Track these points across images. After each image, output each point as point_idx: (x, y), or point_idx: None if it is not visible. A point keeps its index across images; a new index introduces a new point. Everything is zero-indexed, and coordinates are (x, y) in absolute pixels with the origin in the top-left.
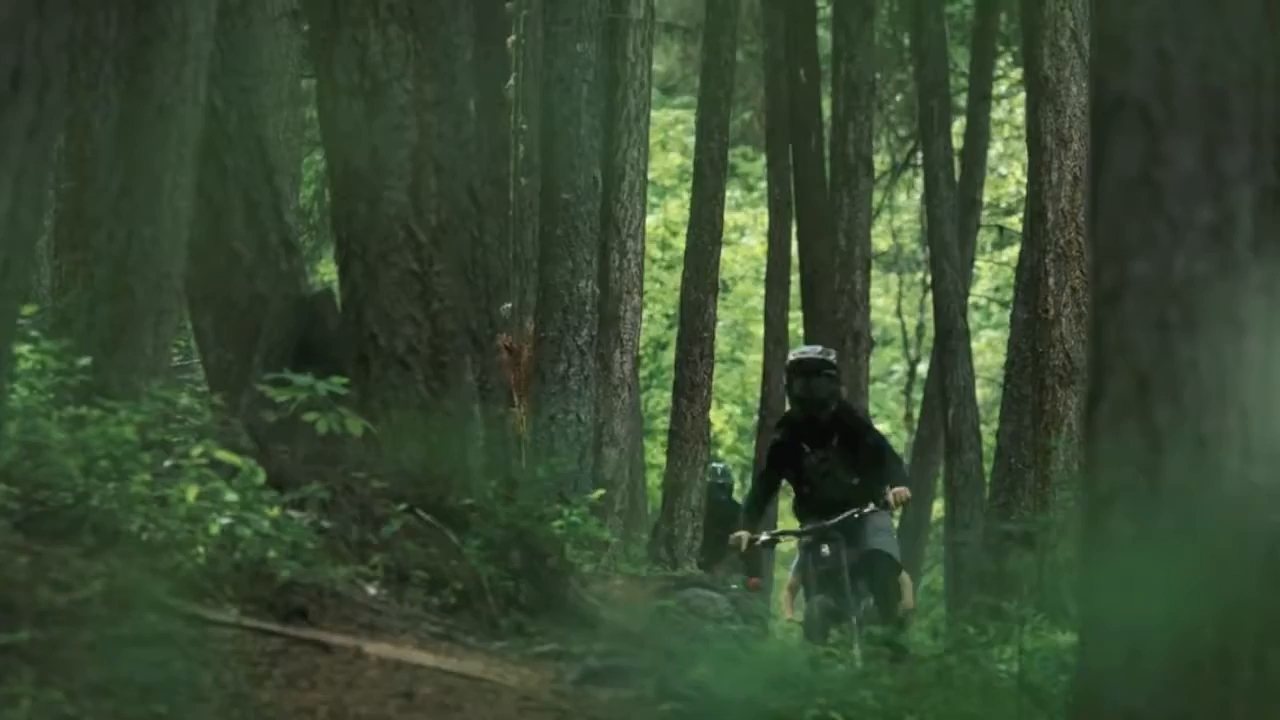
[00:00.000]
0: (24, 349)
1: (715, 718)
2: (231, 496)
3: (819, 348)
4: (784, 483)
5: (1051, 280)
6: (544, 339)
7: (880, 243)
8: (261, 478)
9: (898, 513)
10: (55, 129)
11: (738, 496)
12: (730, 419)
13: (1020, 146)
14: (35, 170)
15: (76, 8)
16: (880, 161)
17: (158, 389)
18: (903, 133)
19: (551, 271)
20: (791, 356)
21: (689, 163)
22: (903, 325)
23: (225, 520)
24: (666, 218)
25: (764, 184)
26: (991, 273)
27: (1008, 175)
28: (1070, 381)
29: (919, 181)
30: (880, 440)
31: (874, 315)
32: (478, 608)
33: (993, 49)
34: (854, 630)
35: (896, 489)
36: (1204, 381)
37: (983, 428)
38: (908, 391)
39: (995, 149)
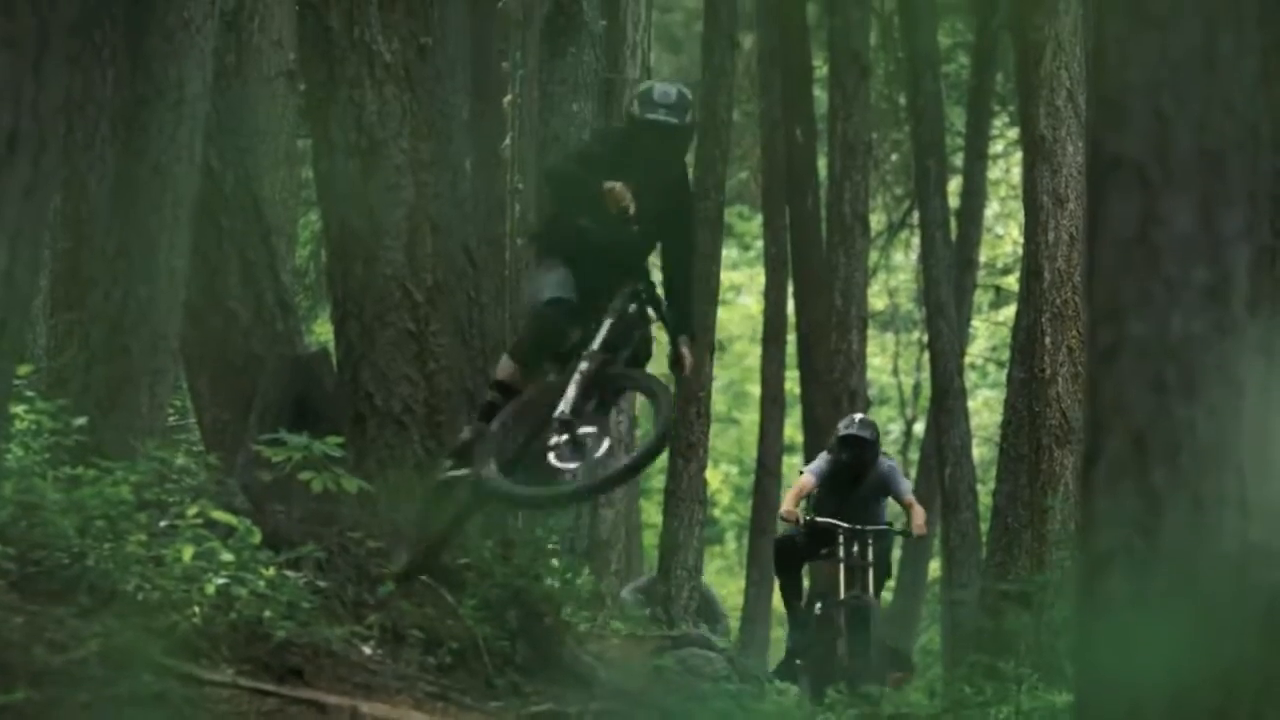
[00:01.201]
0: (20, 409)
1: None
2: (227, 556)
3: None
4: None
5: (1048, 340)
6: None
7: (877, 302)
8: (257, 537)
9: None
10: (51, 190)
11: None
12: (727, 478)
13: (1017, 206)
14: (32, 230)
15: (73, 68)
16: (877, 221)
17: (153, 449)
18: (899, 192)
19: None
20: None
21: None
22: (899, 385)
23: (221, 580)
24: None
25: (760, 243)
26: (988, 332)
27: (1004, 235)
28: (1067, 441)
29: (915, 241)
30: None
31: (870, 374)
32: (473, 667)
33: (989, 108)
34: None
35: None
36: (1201, 441)
37: (979, 487)
38: (904, 451)
39: (992, 208)
